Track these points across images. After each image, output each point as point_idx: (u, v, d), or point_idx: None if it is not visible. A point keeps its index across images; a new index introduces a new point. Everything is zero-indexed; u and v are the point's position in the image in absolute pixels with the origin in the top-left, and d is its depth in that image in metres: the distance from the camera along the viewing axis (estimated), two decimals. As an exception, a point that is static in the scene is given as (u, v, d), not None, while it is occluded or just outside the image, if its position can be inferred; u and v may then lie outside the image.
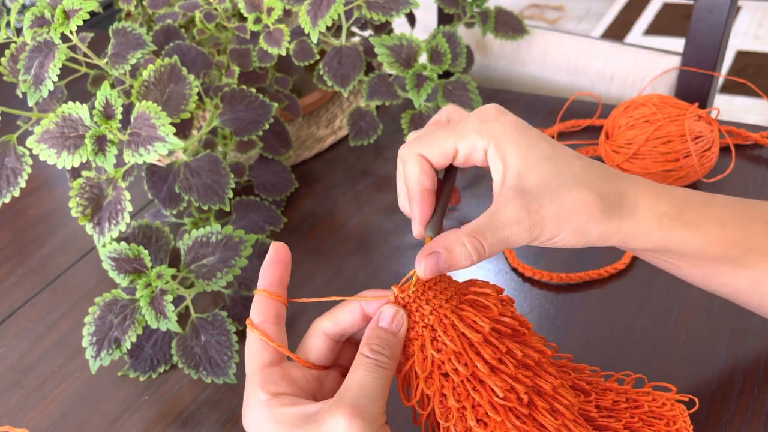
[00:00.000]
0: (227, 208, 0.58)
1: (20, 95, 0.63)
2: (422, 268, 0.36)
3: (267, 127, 0.61)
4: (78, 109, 0.50)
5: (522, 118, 0.39)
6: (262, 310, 0.38)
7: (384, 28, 0.76)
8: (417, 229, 0.39)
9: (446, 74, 0.71)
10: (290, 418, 0.34)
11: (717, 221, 0.38)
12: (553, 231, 0.36)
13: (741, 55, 2.08)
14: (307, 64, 0.68)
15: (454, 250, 0.36)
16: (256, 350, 0.37)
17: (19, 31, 0.60)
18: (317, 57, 0.68)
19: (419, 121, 0.67)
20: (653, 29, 2.32)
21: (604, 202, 0.36)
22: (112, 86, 0.65)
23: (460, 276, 0.40)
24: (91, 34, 0.63)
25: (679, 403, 0.41)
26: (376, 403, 0.34)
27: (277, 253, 0.39)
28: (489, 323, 0.35)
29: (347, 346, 0.40)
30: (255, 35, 0.68)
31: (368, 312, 0.38)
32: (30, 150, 0.52)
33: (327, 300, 0.39)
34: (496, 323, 0.36)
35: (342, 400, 0.33)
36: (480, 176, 0.70)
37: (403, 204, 0.41)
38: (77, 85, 0.75)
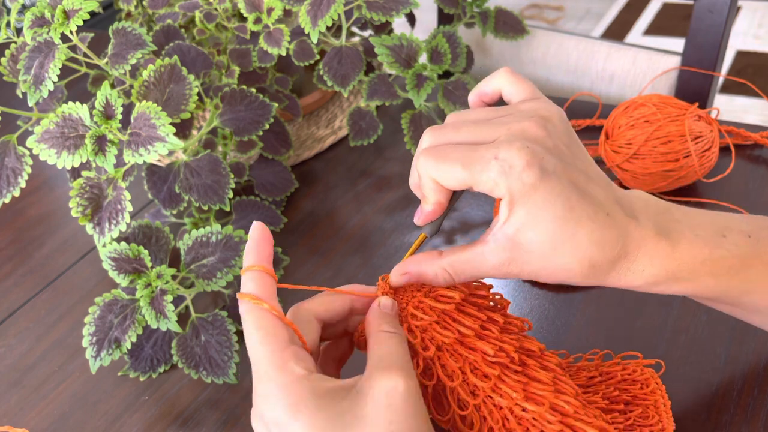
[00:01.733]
0: (227, 208, 0.58)
1: (20, 95, 0.63)
2: (395, 279, 0.39)
3: (267, 127, 0.61)
4: (78, 109, 0.50)
5: None
6: (264, 286, 0.36)
7: (384, 28, 0.76)
8: (419, 221, 0.39)
9: (446, 74, 0.71)
10: (332, 390, 0.33)
11: (710, 274, 0.38)
12: (527, 278, 0.37)
13: (741, 55, 2.09)
14: (307, 64, 0.68)
15: (427, 275, 0.38)
16: (272, 327, 0.34)
17: (19, 31, 0.60)
18: (317, 57, 0.68)
19: (419, 121, 0.67)
20: (653, 29, 2.32)
21: (595, 269, 0.36)
22: (112, 86, 0.65)
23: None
24: (91, 34, 0.63)
25: (647, 367, 0.44)
26: (412, 368, 0.35)
27: (263, 232, 0.37)
28: (459, 294, 0.38)
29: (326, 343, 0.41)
30: (255, 35, 0.68)
31: (356, 306, 0.40)
32: (30, 150, 0.52)
33: (314, 289, 0.40)
34: (470, 296, 0.39)
35: (387, 365, 0.33)
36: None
37: (414, 184, 0.40)
38: (77, 85, 0.75)
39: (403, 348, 0.35)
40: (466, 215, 0.65)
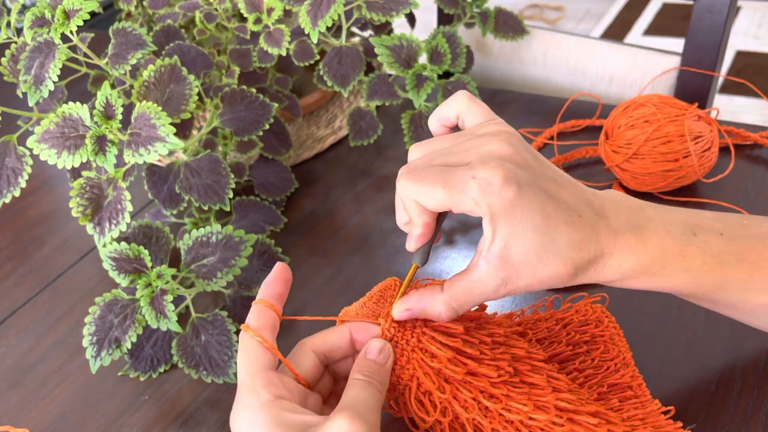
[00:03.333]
0: (227, 208, 0.58)
1: (20, 95, 0.63)
2: (397, 315, 0.40)
3: (267, 127, 0.61)
4: (78, 110, 0.50)
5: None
6: (260, 318, 0.39)
7: (384, 29, 0.76)
8: (411, 246, 0.40)
9: (446, 74, 0.71)
10: (291, 423, 0.35)
11: (683, 270, 0.39)
12: (522, 291, 0.38)
13: (740, 56, 2.09)
14: (307, 64, 0.68)
15: (432, 313, 0.39)
16: (254, 354, 0.38)
17: (19, 32, 0.61)
18: (317, 57, 0.68)
19: (419, 121, 0.67)
20: (653, 29, 2.32)
21: (578, 270, 0.37)
22: (113, 86, 0.66)
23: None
24: (92, 35, 0.63)
25: (595, 304, 0.48)
26: (373, 413, 0.36)
27: (282, 273, 0.41)
28: (459, 326, 0.40)
29: (327, 374, 0.42)
30: (255, 35, 0.68)
31: (356, 338, 0.41)
32: (30, 150, 0.52)
33: (317, 319, 0.43)
34: (461, 320, 0.41)
35: (341, 407, 0.35)
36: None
37: (401, 219, 0.42)
38: (77, 85, 0.75)
39: (366, 394, 0.37)
40: (464, 216, 0.65)
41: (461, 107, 0.41)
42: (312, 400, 0.40)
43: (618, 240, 0.38)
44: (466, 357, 0.39)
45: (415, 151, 0.41)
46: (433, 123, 0.42)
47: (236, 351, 0.52)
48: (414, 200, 0.38)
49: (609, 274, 0.38)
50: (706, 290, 0.40)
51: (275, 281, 0.41)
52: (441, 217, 0.41)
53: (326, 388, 0.42)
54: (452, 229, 0.64)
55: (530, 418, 0.37)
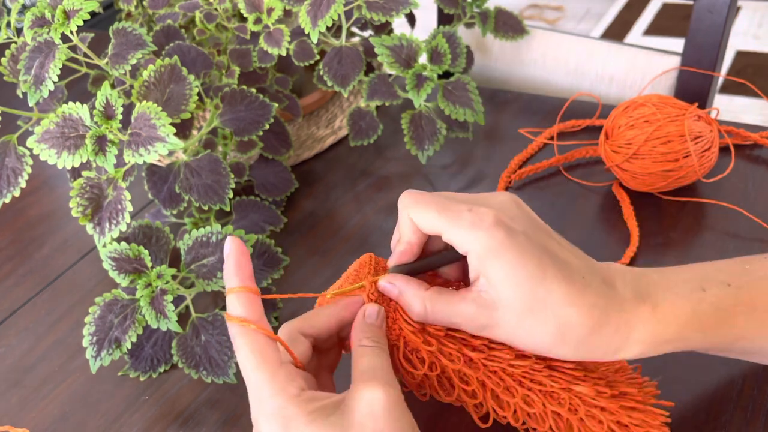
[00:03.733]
0: (227, 208, 0.58)
1: (20, 95, 0.63)
2: (381, 285, 0.41)
3: (267, 127, 0.61)
4: (78, 110, 0.50)
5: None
6: (252, 307, 0.37)
7: (384, 29, 0.76)
8: (390, 261, 0.41)
9: (446, 74, 0.71)
10: (322, 407, 0.34)
11: (697, 330, 0.38)
12: (505, 341, 0.38)
13: (740, 56, 2.09)
14: (307, 64, 0.68)
15: (406, 300, 0.40)
16: (264, 350, 0.36)
17: (19, 32, 0.60)
18: (317, 57, 0.68)
19: (419, 121, 0.67)
20: (653, 29, 2.32)
21: (569, 335, 0.36)
22: (113, 86, 0.66)
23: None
24: (92, 35, 0.63)
25: None
26: (394, 377, 0.36)
27: (239, 247, 0.38)
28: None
29: (314, 353, 0.42)
30: (255, 35, 0.68)
31: (344, 315, 0.41)
32: (30, 150, 0.52)
33: (299, 296, 0.42)
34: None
35: (366, 378, 0.35)
36: (479, 178, 0.70)
37: (394, 239, 0.42)
38: (77, 85, 0.75)
39: (382, 360, 0.37)
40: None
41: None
42: (311, 382, 0.39)
43: (626, 309, 0.36)
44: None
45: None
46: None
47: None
48: (409, 217, 0.39)
49: (616, 347, 0.36)
50: (722, 345, 0.39)
51: (240, 258, 0.37)
52: (428, 249, 0.42)
53: (313, 367, 0.41)
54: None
55: (511, 365, 0.38)
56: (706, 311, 0.37)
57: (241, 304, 0.36)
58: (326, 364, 0.42)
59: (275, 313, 0.57)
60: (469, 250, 0.36)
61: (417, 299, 0.39)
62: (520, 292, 0.35)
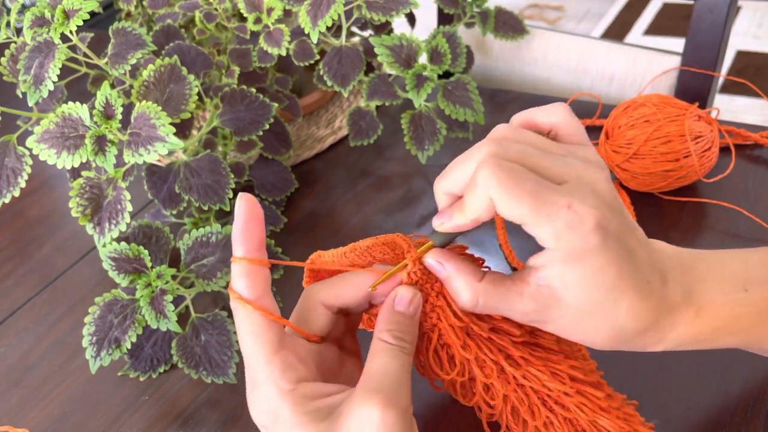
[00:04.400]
0: (227, 208, 0.58)
1: (20, 95, 0.63)
2: (428, 262, 0.36)
3: (267, 127, 0.61)
4: (78, 109, 0.50)
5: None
6: (255, 283, 0.33)
7: (384, 28, 0.76)
8: (441, 227, 0.35)
9: (446, 74, 0.71)
10: (318, 411, 0.32)
11: (731, 333, 0.36)
12: (549, 330, 0.35)
13: (741, 55, 2.08)
14: (307, 64, 0.68)
15: (457, 287, 0.35)
16: (262, 331, 0.33)
17: (19, 31, 0.60)
18: (317, 57, 0.68)
19: (419, 121, 0.67)
20: (653, 29, 2.32)
21: (618, 339, 0.34)
22: (112, 86, 0.65)
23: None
24: (91, 34, 0.63)
25: None
26: (405, 390, 0.32)
27: (252, 208, 0.33)
28: None
29: (339, 316, 0.38)
30: (255, 35, 0.68)
31: (376, 288, 0.36)
32: (30, 150, 0.52)
33: (325, 268, 0.37)
34: None
35: (369, 389, 0.31)
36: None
37: (446, 185, 0.35)
38: (77, 85, 0.75)
39: (397, 365, 0.33)
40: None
41: (560, 120, 0.35)
42: (331, 353, 0.36)
43: (673, 313, 0.34)
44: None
45: (508, 132, 0.34)
46: (520, 121, 0.36)
47: (236, 351, 0.51)
48: (490, 196, 0.32)
49: (652, 346, 0.35)
50: (751, 345, 0.38)
51: (252, 221, 0.33)
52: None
53: (339, 331, 0.37)
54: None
55: (544, 386, 0.35)
56: (745, 314, 0.36)
57: (243, 276, 0.33)
58: (351, 326, 0.38)
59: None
60: (554, 248, 0.32)
61: (469, 290, 0.34)
62: (588, 297, 0.32)
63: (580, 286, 0.32)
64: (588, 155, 0.34)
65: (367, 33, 0.79)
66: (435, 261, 0.35)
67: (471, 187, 0.33)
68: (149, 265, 0.51)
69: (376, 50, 0.63)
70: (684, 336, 0.35)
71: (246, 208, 0.33)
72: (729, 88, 1.93)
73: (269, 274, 0.34)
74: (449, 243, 0.36)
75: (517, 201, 0.31)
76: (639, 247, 0.34)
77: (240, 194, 0.33)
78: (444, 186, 0.35)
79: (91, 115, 0.50)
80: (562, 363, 0.36)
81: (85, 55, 0.57)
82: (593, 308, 0.33)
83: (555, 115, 0.35)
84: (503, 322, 0.36)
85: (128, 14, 0.80)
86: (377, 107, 0.76)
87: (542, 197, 0.31)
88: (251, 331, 0.33)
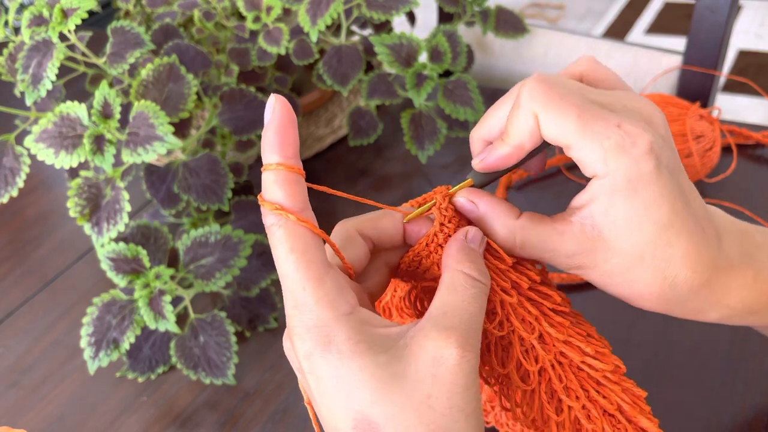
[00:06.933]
0: (226, 208, 0.57)
1: (18, 94, 0.63)
2: (457, 201, 0.32)
3: (266, 126, 0.61)
4: (76, 109, 0.50)
5: None
6: (295, 193, 0.28)
7: (384, 27, 0.76)
8: (481, 164, 0.32)
9: (446, 73, 0.70)
10: (374, 338, 0.27)
11: None
12: (590, 280, 0.32)
13: (743, 55, 2.08)
14: (306, 63, 0.68)
15: (493, 226, 0.32)
16: (310, 247, 0.28)
17: (17, 30, 0.60)
18: (317, 56, 0.68)
19: (419, 120, 0.67)
20: (654, 28, 2.31)
21: (672, 293, 0.30)
22: (111, 85, 0.65)
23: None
24: (90, 33, 0.63)
25: None
26: (479, 336, 0.28)
27: (288, 110, 0.28)
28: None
29: (375, 264, 0.34)
30: (254, 34, 0.68)
31: (408, 228, 0.33)
32: (28, 150, 0.52)
33: (358, 200, 0.34)
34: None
35: (447, 326, 0.27)
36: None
37: (485, 129, 0.33)
38: (75, 85, 0.74)
39: (477, 306, 0.29)
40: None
41: (585, 68, 0.33)
42: (361, 297, 0.31)
43: (728, 272, 0.31)
44: (527, 269, 0.32)
45: (545, 75, 0.32)
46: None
47: (235, 352, 0.51)
48: (534, 114, 0.29)
49: (705, 310, 0.32)
50: None
51: (286, 125, 0.28)
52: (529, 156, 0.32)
53: (369, 269, 0.33)
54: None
55: (583, 362, 0.31)
56: None
57: (280, 186, 0.28)
58: (384, 265, 0.34)
59: (274, 313, 0.57)
60: (602, 174, 0.28)
61: (505, 229, 0.31)
62: (639, 237, 0.29)
63: (630, 223, 0.29)
64: (632, 95, 0.31)
65: (366, 32, 0.79)
66: (467, 200, 0.32)
67: (513, 110, 0.30)
68: (148, 265, 0.50)
69: (376, 49, 0.63)
70: (740, 302, 0.32)
71: (280, 109, 0.28)
72: (731, 87, 1.92)
73: (305, 186, 0.29)
74: (489, 183, 0.33)
75: (562, 113, 0.28)
76: (691, 191, 0.30)
77: (272, 95, 0.29)
78: (481, 132, 0.33)
79: (90, 115, 0.49)
80: (604, 341, 0.32)
81: (84, 54, 0.57)
82: (643, 250, 0.29)
83: (581, 66, 0.33)
84: (542, 285, 0.32)
85: (127, 13, 0.80)
86: (377, 106, 0.76)
87: (590, 111, 0.28)
88: (295, 247, 0.28)
